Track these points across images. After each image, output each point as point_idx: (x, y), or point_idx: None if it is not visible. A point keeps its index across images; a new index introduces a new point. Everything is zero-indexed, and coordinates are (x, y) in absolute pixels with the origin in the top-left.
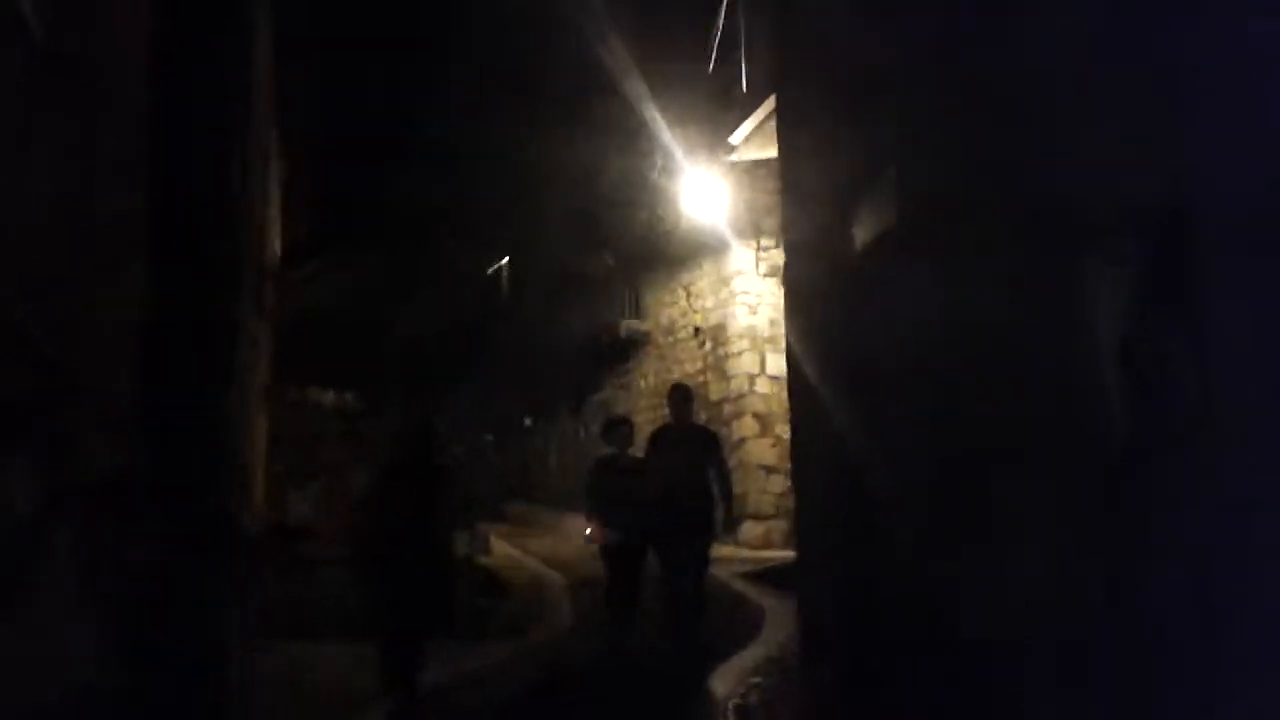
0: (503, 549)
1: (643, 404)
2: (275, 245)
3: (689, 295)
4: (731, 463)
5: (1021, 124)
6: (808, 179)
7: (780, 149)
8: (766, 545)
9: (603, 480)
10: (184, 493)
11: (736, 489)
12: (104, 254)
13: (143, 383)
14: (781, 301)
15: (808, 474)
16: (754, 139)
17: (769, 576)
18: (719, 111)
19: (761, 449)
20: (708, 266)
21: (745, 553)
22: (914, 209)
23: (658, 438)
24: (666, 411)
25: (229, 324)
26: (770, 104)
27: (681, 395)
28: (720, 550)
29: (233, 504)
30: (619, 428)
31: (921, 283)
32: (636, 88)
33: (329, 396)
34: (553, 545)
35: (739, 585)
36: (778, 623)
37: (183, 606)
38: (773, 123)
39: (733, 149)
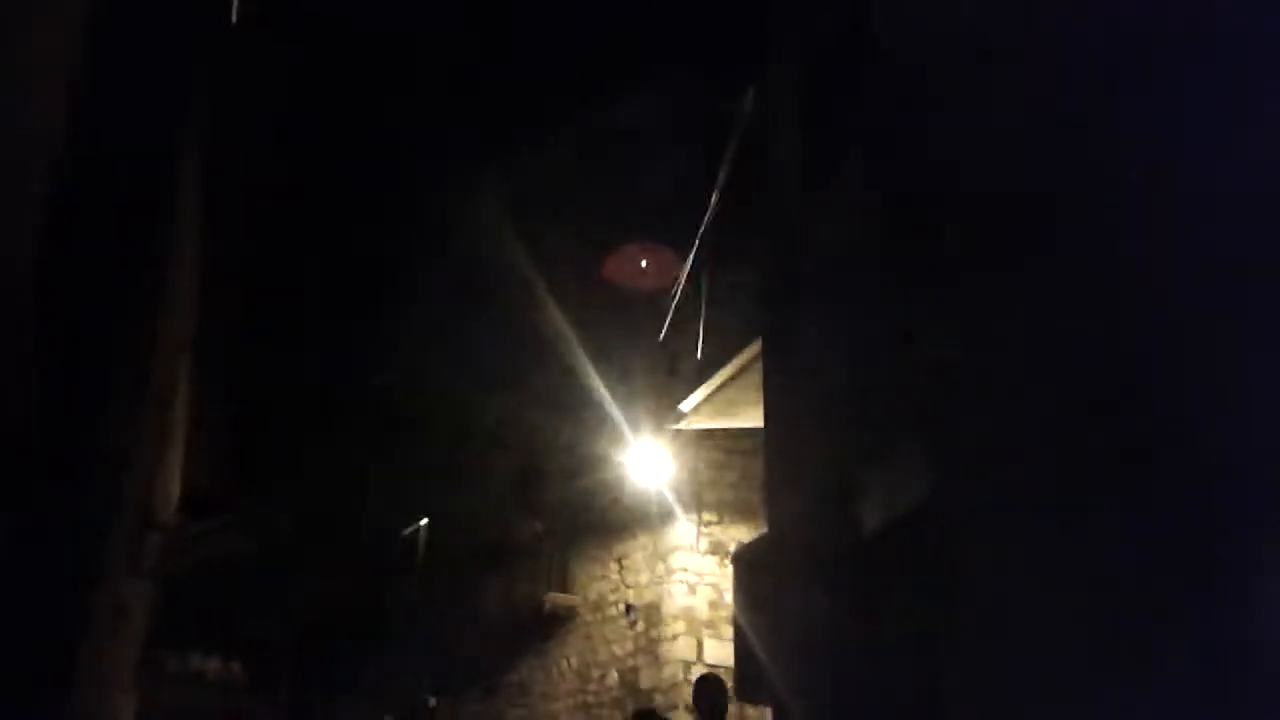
0: None
1: (564, 688)
2: (172, 495)
3: (622, 569)
4: None
5: (1131, 373)
6: (796, 451)
7: (766, 415)
8: None
9: None
10: None
11: None
12: None
13: None
14: (723, 582)
15: None
16: (703, 409)
17: None
18: (666, 380)
19: None
20: (644, 539)
21: None
22: (947, 492)
23: None
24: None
25: (85, 597)
26: (726, 373)
27: (714, 692)
28: None
29: None
30: None
31: (951, 585)
32: (579, 354)
33: (212, 665)
34: None
35: None
36: None
37: None
38: (724, 393)
39: (681, 416)
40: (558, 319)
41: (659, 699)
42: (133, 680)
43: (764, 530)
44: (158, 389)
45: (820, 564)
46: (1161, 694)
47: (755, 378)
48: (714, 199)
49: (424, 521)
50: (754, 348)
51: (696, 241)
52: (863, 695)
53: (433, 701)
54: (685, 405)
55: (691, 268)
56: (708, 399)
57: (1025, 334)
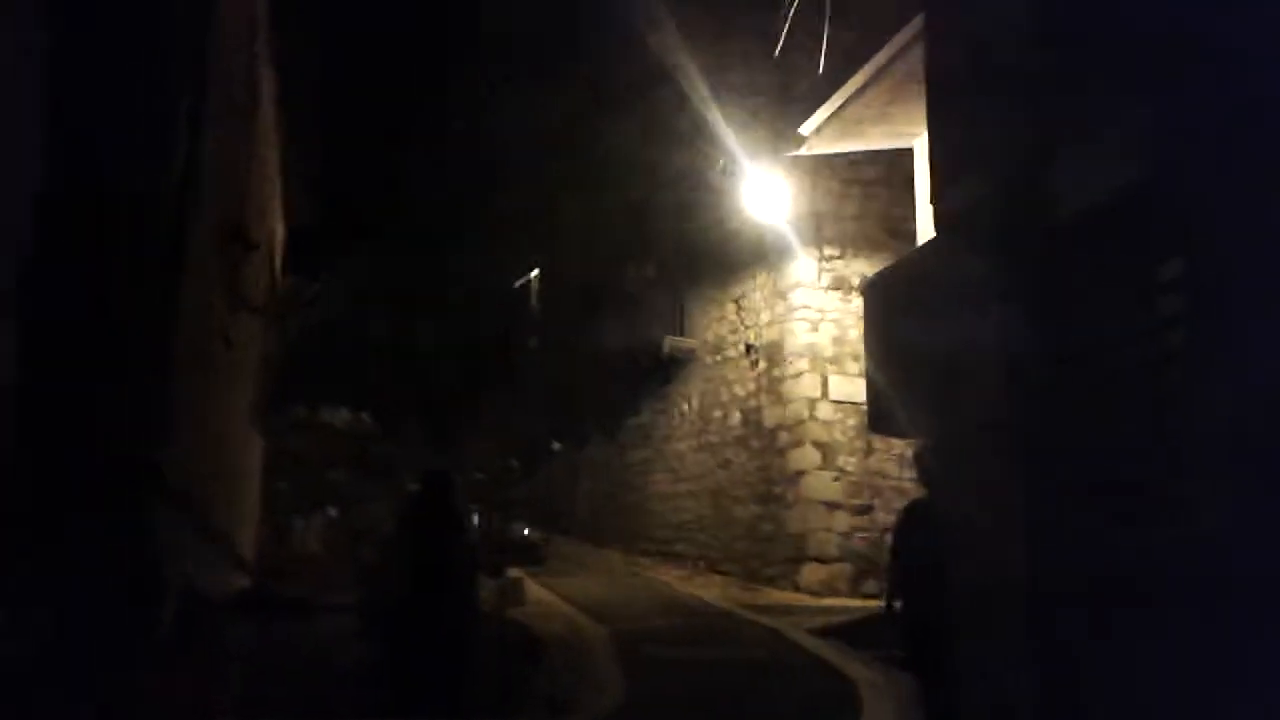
0: (535, 593)
1: (685, 429)
2: (276, 230)
3: (740, 309)
4: (789, 498)
5: None
6: (971, 130)
7: (930, 95)
8: (830, 592)
9: (913, 537)
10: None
11: (795, 528)
12: None
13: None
14: (847, 318)
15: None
16: (825, 131)
17: (842, 634)
18: (782, 104)
19: (823, 483)
20: (762, 278)
21: (807, 600)
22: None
23: (915, 520)
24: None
25: (164, 318)
26: (858, 80)
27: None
28: (778, 596)
29: (172, 553)
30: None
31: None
32: (692, 77)
33: (341, 416)
34: (588, 586)
35: (810, 644)
36: (880, 702)
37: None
38: (849, 111)
39: (802, 141)
40: (668, 38)
41: (784, 436)
42: (254, 421)
43: (890, 261)
44: (235, 104)
45: (992, 267)
46: None
47: (886, 89)
48: None
49: (534, 273)
50: (889, 50)
51: None
52: (1051, 421)
53: (556, 445)
54: (805, 127)
55: None
56: (832, 117)
57: None
